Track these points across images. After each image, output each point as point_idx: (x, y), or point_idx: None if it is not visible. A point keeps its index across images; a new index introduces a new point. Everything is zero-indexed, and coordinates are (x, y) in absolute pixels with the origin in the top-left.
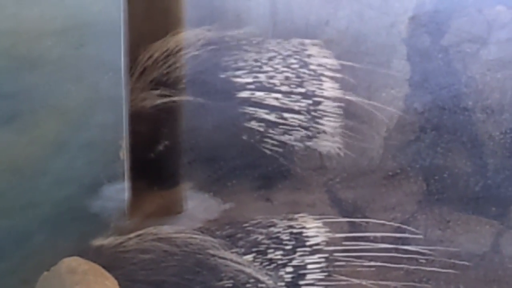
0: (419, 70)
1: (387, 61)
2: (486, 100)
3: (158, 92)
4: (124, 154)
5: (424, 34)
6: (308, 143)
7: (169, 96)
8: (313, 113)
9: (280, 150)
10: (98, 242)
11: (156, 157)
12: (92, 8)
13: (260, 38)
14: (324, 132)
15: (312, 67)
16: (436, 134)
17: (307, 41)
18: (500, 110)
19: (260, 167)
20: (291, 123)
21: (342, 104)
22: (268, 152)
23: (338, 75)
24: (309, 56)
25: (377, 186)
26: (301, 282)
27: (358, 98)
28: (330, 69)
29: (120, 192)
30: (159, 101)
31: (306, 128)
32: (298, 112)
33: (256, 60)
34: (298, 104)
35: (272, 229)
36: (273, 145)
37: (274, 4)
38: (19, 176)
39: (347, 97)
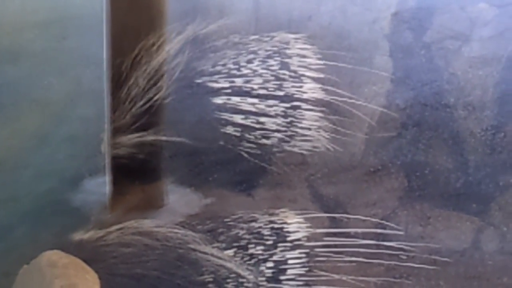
0: (401, 67)
1: (369, 57)
2: (468, 97)
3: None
4: (105, 147)
5: (407, 31)
6: (287, 147)
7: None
8: (290, 118)
9: (259, 152)
10: (79, 236)
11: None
12: (74, 1)
13: (240, 37)
14: (304, 135)
15: (293, 67)
16: (417, 130)
17: (290, 36)
18: (482, 107)
19: (242, 162)
20: (269, 128)
21: (323, 103)
22: (245, 155)
23: (320, 75)
24: (290, 56)
25: (358, 182)
26: (282, 277)
27: (340, 93)
28: (312, 69)
29: (101, 185)
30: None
31: (284, 132)
32: (274, 116)
33: (235, 63)
34: (276, 108)
35: (253, 224)
36: (251, 148)
37: None
38: (0, 169)
39: (329, 96)
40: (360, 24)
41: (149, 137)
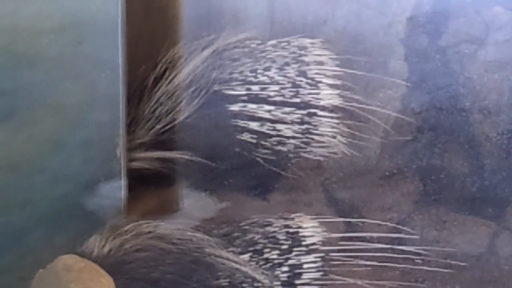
0: (416, 71)
1: (384, 61)
2: (483, 101)
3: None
4: (121, 152)
5: (422, 35)
6: (303, 154)
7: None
8: (306, 124)
9: (274, 158)
10: (97, 248)
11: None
12: (90, 6)
13: (258, 43)
14: (320, 141)
15: (310, 74)
16: (433, 134)
17: (307, 41)
18: (497, 111)
19: (257, 166)
20: (285, 134)
21: (339, 108)
22: (261, 161)
23: (336, 81)
24: (308, 63)
25: (373, 186)
26: (297, 282)
27: (355, 98)
28: (327, 75)
29: (116, 190)
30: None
31: (300, 138)
32: (290, 123)
33: (252, 71)
34: (292, 114)
35: (268, 228)
36: (267, 154)
37: (272, 3)
38: (16, 174)
39: (344, 102)
40: (375, 28)
41: (170, 154)
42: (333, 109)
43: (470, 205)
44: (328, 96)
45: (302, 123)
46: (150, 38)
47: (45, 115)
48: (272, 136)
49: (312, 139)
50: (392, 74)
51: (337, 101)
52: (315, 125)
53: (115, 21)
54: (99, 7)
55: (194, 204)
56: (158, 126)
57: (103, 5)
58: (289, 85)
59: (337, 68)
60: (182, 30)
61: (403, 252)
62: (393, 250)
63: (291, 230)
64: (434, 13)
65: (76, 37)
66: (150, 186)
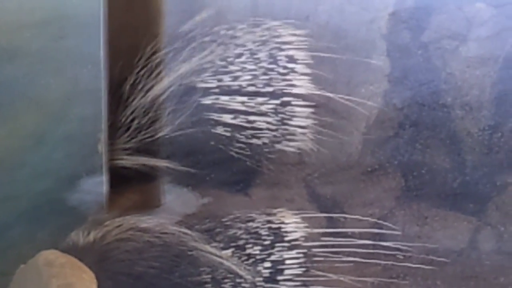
0: (398, 66)
1: (366, 56)
2: (465, 97)
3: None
4: (102, 147)
5: (404, 30)
6: (278, 146)
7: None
8: (281, 115)
9: (249, 153)
10: (80, 240)
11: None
12: (72, 0)
13: (228, 29)
14: (294, 134)
15: (282, 63)
16: (415, 130)
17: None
18: (479, 107)
19: (238, 161)
20: (259, 126)
21: (316, 102)
22: (235, 155)
23: (314, 70)
24: (281, 49)
25: (355, 182)
26: (279, 277)
27: (337, 93)
28: (303, 64)
29: (98, 185)
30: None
31: (275, 130)
32: (265, 114)
33: (222, 59)
34: (265, 106)
35: (250, 224)
36: (240, 148)
37: None
38: None
39: (325, 93)
40: (357, 23)
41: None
42: (312, 103)
43: (451, 200)
44: (305, 90)
45: (276, 113)
46: (132, 32)
47: (26, 109)
48: (246, 129)
49: (287, 130)
50: (374, 69)
51: (317, 96)
52: (289, 116)
53: (96, 16)
54: (80, 1)
55: (176, 200)
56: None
57: (85, 0)
58: (262, 74)
59: (314, 63)
60: (164, 24)
61: (385, 247)
62: (375, 246)
63: (273, 226)
64: (416, 9)
65: (57, 32)
66: (132, 182)
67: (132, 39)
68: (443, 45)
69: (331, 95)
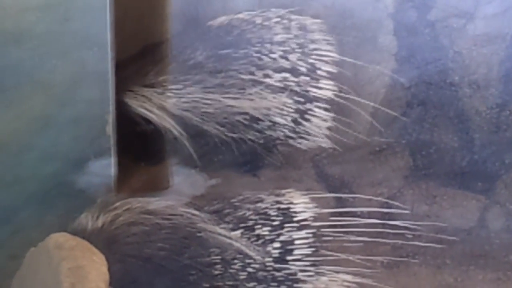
0: (405, 45)
1: (373, 36)
2: (473, 75)
3: None
4: (110, 129)
5: (411, 9)
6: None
7: None
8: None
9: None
10: (92, 224)
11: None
12: None
13: (260, 19)
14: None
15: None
16: (422, 109)
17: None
18: (487, 85)
19: (247, 143)
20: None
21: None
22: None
23: (327, 54)
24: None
25: (364, 162)
26: (289, 258)
27: (344, 73)
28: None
29: (106, 167)
30: None
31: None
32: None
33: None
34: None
35: (259, 204)
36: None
37: None
38: (5, 152)
39: (334, 75)
40: (363, 3)
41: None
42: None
43: (460, 179)
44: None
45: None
46: (139, 14)
47: (33, 92)
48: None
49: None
50: (381, 49)
51: (326, 76)
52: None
53: None
54: None
55: (184, 181)
56: None
57: None
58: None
59: (328, 47)
60: (171, 4)
61: (394, 227)
62: (384, 225)
63: (282, 206)
64: None
65: (63, 14)
66: (140, 163)
67: (139, 21)
68: (450, 23)
69: (339, 75)
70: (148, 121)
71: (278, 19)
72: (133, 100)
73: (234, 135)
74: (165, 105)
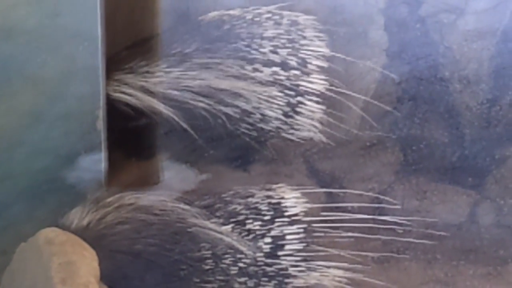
0: (396, 41)
1: (364, 31)
2: (463, 71)
3: None
4: (101, 124)
5: (402, 4)
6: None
7: None
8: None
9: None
10: (78, 221)
11: (133, 127)
12: None
13: (251, 14)
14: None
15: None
16: (413, 104)
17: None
18: (477, 81)
19: (237, 137)
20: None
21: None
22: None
23: (318, 49)
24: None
25: (354, 157)
26: (280, 253)
27: (335, 68)
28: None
29: (97, 162)
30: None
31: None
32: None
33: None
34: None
35: (250, 199)
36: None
37: None
38: None
39: (324, 71)
40: None
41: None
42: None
43: (450, 174)
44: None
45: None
46: (130, 9)
47: (23, 88)
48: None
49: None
50: (372, 44)
51: (317, 72)
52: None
53: None
54: None
55: (174, 176)
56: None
57: None
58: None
59: (319, 42)
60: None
61: (385, 222)
62: (375, 221)
63: (273, 201)
64: None
65: (53, 9)
66: (130, 159)
67: (130, 15)
68: (441, 18)
69: (329, 70)
70: (137, 112)
71: (269, 15)
72: (115, 88)
73: (223, 108)
74: (147, 85)
